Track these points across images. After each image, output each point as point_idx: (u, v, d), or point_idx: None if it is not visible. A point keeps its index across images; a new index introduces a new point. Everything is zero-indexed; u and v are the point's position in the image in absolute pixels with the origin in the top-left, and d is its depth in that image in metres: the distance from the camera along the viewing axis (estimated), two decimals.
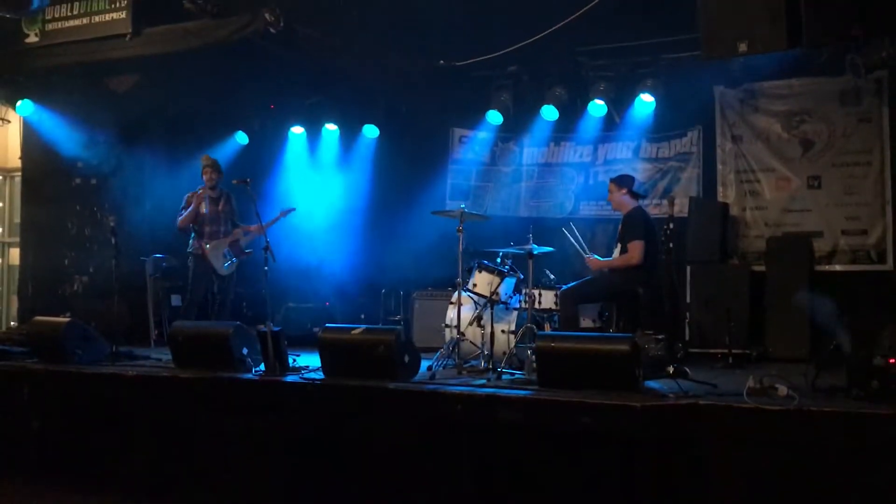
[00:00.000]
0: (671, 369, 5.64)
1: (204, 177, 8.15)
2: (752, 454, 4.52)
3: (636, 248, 6.69)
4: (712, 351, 7.52)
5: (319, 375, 6.01)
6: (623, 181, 7.11)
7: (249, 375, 6.17)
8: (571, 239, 7.17)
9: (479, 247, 7.62)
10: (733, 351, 7.21)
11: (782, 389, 4.76)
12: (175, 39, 7.22)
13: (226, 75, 8.83)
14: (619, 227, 7.00)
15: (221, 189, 8.23)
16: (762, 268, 8.25)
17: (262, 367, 6.23)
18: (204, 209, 8.08)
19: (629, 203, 7.02)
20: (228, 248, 8.13)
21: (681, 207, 8.60)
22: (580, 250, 7.12)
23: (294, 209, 8.46)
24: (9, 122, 10.13)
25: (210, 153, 9.49)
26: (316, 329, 7.69)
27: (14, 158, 10.85)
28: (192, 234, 8.09)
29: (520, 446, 5.03)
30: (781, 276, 7.95)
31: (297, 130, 10.22)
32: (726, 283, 8.08)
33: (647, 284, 6.71)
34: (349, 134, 10.13)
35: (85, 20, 7.53)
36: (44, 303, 9.34)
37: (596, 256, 7.09)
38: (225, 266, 8.10)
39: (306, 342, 7.73)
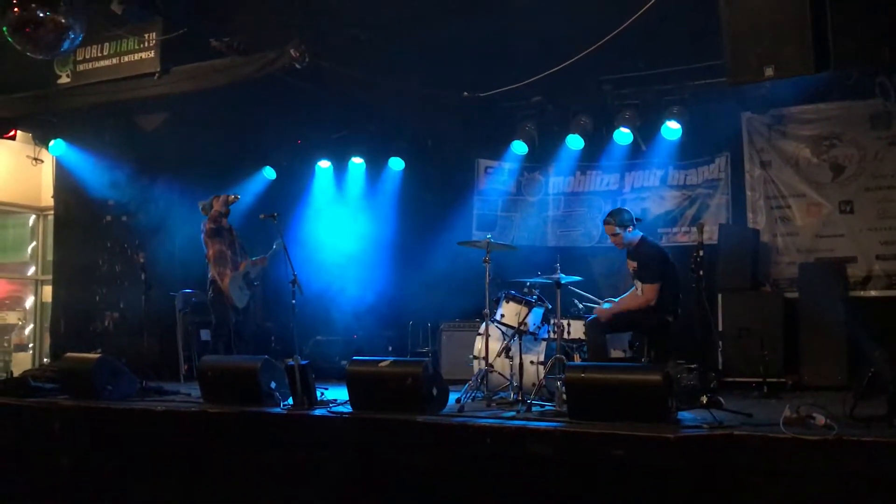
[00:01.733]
0: (704, 399, 5.53)
1: (222, 212, 8.20)
2: (790, 486, 4.40)
3: (651, 291, 6.54)
4: (746, 380, 7.38)
5: (347, 409, 5.98)
6: (624, 219, 6.77)
7: (278, 409, 6.17)
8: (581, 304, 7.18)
9: (506, 277, 7.58)
10: (768, 380, 7.08)
11: (820, 419, 4.63)
12: (203, 77, 7.31)
13: (253, 112, 8.95)
14: (635, 264, 6.78)
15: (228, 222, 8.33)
16: (795, 294, 8.10)
17: (291, 400, 6.22)
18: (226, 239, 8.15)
19: (636, 238, 6.82)
20: (244, 282, 8.16)
21: (710, 234, 8.47)
22: (594, 305, 7.07)
23: (283, 242, 7.94)
24: (42, 161, 10.31)
25: (238, 188, 9.61)
26: (344, 362, 7.68)
27: (47, 197, 11.05)
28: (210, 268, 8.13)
29: (550, 480, 4.94)
30: (815, 303, 7.78)
31: (324, 164, 10.32)
32: (759, 311, 7.95)
33: (676, 312, 6.61)
34: (375, 167, 10.20)
35: (114, 60, 7.66)
36: (76, 339, 9.41)
37: (606, 305, 6.92)
38: (242, 299, 8.13)
39: (334, 375, 7.72)
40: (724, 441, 4.61)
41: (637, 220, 6.93)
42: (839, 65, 5.43)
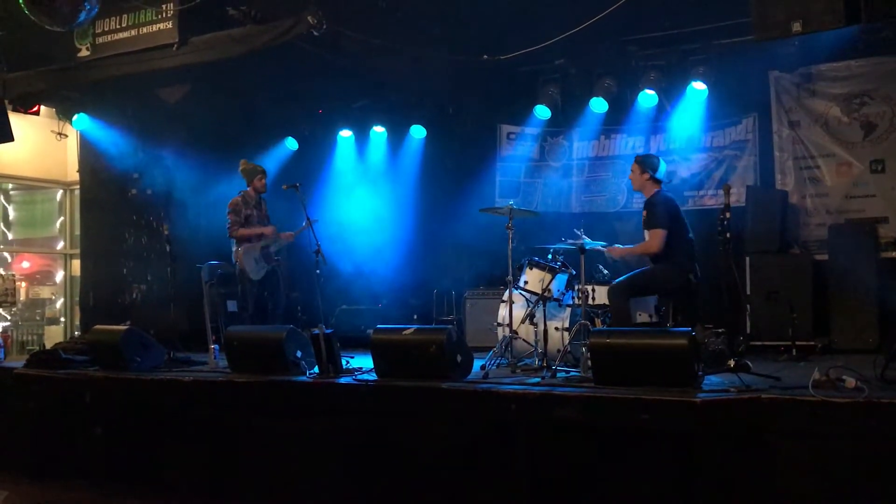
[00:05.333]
0: (732, 363, 5.47)
1: (259, 184, 8.21)
2: (819, 449, 4.34)
3: (656, 237, 6.48)
4: (775, 344, 7.29)
5: (372, 377, 6.00)
6: (646, 163, 6.76)
7: (303, 378, 6.19)
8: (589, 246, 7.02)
9: (529, 244, 7.52)
10: (797, 343, 6.97)
11: (850, 381, 4.56)
12: (221, 47, 7.29)
13: (274, 82, 8.92)
14: (645, 213, 6.74)
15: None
16: (825, 257, 7.98)
17: (316, 369, 6.25)
18: (255, 215, 8.15)
19: (650, 188, 6.75)
20: (261, 254, 8.11)
21: (738, 197, 8.37)
22: (601, 248, 6.94)
23: (317, 220, 8.06)
24: (66, 136, 10.38)
25: (262, 160, 9.58)
26: (369, 331, 7.70)
27: (73, 172, 11.13)
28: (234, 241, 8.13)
29: (576, 445, 4.93)
30: (845, 265, 7.65)
31: (346, 134, 10.30)
32: (788, 274, 7.84)
33: (695, 271, 6.52)
34: (397, 135, 10.15)
35: (133, 32, 7.66)
36: (105, 312, 9.54)
37: (618, 245, 6.91)
38: (258, 272, 8.05)
39: (360, 344, 7.73)
40: (752, 404, 4.55)
41: (668, 181, 6.91)
42: (870, 17, 5.26)
